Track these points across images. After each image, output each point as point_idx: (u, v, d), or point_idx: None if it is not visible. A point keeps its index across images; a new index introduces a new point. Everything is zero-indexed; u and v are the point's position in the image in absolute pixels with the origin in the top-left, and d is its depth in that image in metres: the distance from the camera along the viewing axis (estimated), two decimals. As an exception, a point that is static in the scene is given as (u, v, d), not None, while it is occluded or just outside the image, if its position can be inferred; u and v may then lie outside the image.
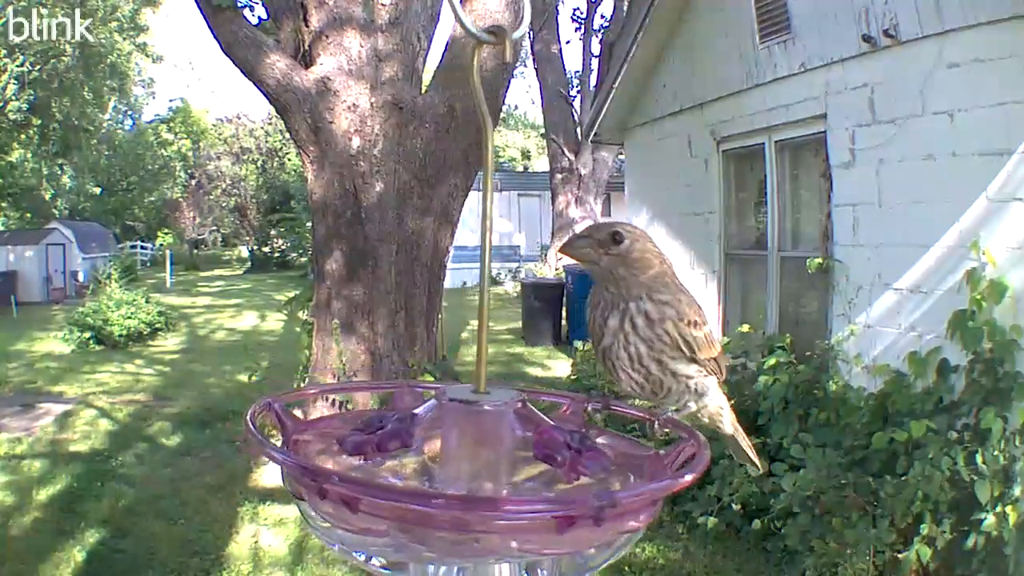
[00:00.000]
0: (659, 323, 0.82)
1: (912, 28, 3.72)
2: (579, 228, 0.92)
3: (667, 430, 0.84)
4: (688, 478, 0.62)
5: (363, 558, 0.62)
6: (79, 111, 19.72)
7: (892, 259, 3.90)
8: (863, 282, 4.09)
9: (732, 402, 0.95)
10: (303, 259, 20.85)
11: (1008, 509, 2.90)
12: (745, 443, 1.01)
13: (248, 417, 0.67)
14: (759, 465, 1.03)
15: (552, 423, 0.72)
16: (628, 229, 0.83)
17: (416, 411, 0.72)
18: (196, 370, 8.58)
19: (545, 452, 0.67)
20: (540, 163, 30.42)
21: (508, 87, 5.28)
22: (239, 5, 5.20)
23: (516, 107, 34.79)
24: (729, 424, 0.97)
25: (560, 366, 8.42)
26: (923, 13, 3.64)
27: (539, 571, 0.62)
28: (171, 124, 33.44)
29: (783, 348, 4.41)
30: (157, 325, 10.76)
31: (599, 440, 0.78)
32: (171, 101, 46.38)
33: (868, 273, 4.05)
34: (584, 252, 0.82)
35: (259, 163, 30.01)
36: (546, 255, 15.96)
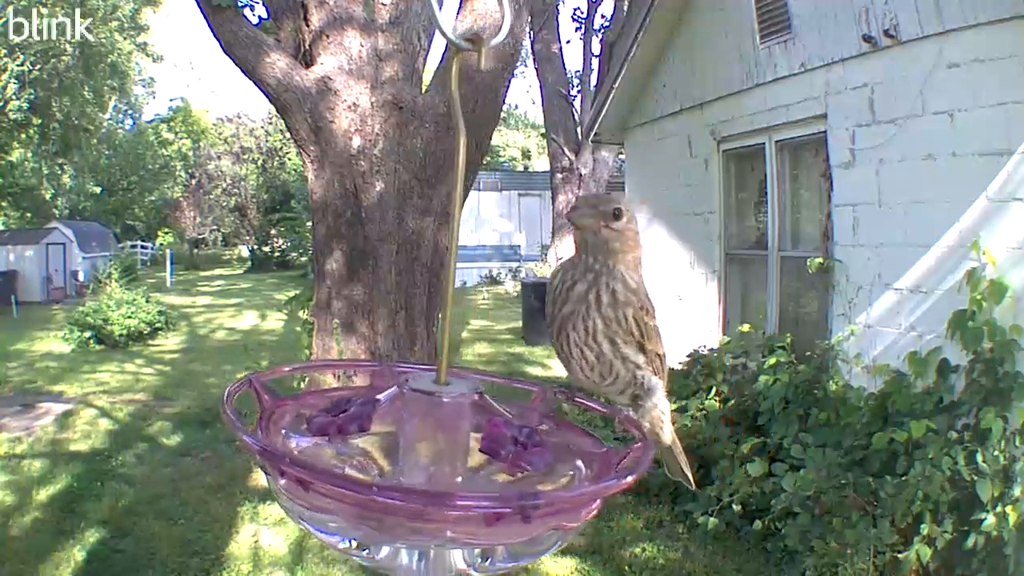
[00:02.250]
0: (622, 305, 0.84)
1: (912, 28, 3.72)
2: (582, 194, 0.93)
3: (622, 428, 0.86)
4: (625, 481, 0.65)
5: (328, 537, 0.66)
6: (79, 111, 19.71)
7: (892, 259, 3.90)
8: (863, 282, 4.09)
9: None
10: (303, 259, 20.86)
11: (1008, 509, 2.90)
12: (682, 457, 1.01)
13: (225, 396, 0.72)
14: (692, 482, 1.04)
15: (506, 416, 0.75)
16: (627, 207, 0.86)
17: (378, 397, 0.75)
18: (196, 370, 8.58)
19: (491, 446, 0.71)
20: (540, 163, 30.42)
21: (508, 87, 5.28)
22: (239, 5, 5.20)
23: (516, 107, 34.81)
24: (669, 433, 0.97)
25: (560, 366, 8.39)
26: (923, 13, 3.64)
27: (491, 557, 0.65)
28: (171, 124, 33.45)
29: (783, 348, 4.41)
30: (157, 325, 10.76)
31: (559, 432, 0.81)
32: (171, 101, 46.48)
33: (868, 273, 4.05)
34: (588, 222, 0.84)
35: (259, 163, 30.03)
36: (546, 255, 15.96)
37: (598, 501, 0.66)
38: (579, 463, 0.76)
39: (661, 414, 0.94)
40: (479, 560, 0.65)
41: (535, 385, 0.94)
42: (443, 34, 0.70)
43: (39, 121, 18.45)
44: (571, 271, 0.86)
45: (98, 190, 27.03)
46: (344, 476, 0.68)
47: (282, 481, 0.62)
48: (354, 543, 0.65)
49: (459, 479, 0.71)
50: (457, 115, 0.73)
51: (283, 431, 0.76)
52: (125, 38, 20.93)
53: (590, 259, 0.85)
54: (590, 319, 0.84)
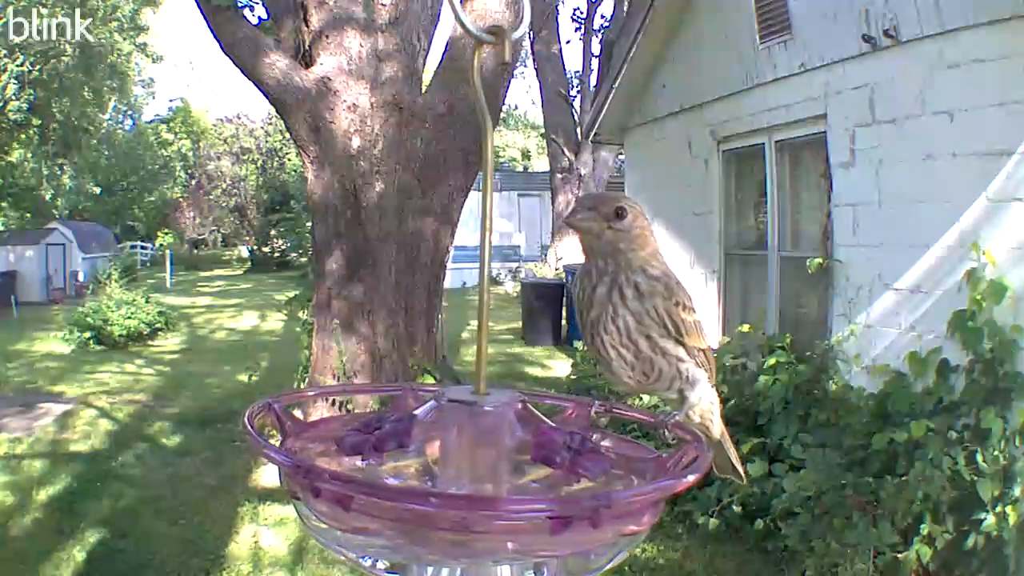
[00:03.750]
0: (648, 297, 0.81)
1: (912, 28, 3.72)
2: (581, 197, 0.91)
3: (674, 434, 0.82)
4: (689, 479, 0.61)
5: (365, 561, 0.61)
6: (79, 111, 19.72)
7: (892, 259, 3.90)
8: (863, 282, 4.08)
9: (732, 402, 0.95)
10: (303, 259, 20.84)
11: (1008, 509, 2.90)
12: (732, 451, 0.98)
13: (246, 418, 0.67)
14: (743, 476, 1.00)
15: (552, 424, 0.72)
16: (630, 204, 0.82)
17: (415, 412, 0.71)
18: (196, 370, 8.58)
19: (543, 453, 0.66)
20: (540, 163, 30.42)
21: (508, 87, 5.28)
22: (239, 5, 5.21)
23: (516, 107, 34.79)
24: (719, 427, 0.94)
25: (560, 366, 8.41)
26: (923, 13, 3.64)
27: (544, 571, 0.61)
28: (171, 124, 33.45)
29: (783, 348, 4.41)
30: (157, 325, 10.76)
31: (603, 443, 0.77)
32: (171, 101, 46.49)
33: (868, 273, 4.05)
34: (588, 225, 0.82)
35: (259, 163, 30.03)
36: (546, 255, 15.96)
37: (661, 503, 0.63)
38: (631, 472, 0.73)
39: (711, 405, 0.91)
40: None
41: (569, 400, 0.90)
42: (464, 27, 0.68)
43: (39, 121, 18.46)
44: (588, 276, 0.84)
45: (98, 190, 27.02)
46: (396, 487, 0.65)
47: (315, 502, 0.57)
48: (384, 564, 0.60)
49: (504, 493, 0.66)
50: (482, 106, 0.69)
51: (312, 454, 0.72)
52: (125, 38, 20.93)
53: (600, 263, 0.82)
54: (620, 317, 0.81)
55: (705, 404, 0.90)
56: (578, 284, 0.85)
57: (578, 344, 6.58)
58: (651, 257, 0.82)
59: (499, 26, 0.70)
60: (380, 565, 0.61)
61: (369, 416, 0.74)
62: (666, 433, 0.83)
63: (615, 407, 0.86)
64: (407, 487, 0.67)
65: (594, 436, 0.77)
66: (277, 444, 0.68)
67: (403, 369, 5.27)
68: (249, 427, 0.65)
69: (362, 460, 0.68)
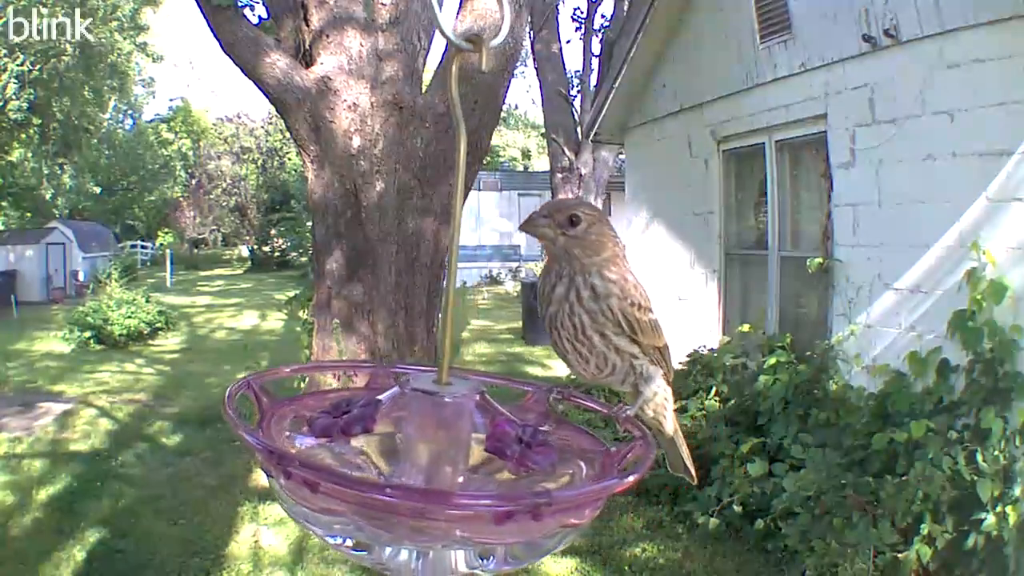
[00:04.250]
0: (604, 298, 0.84)
1: (912, 28, 3.72)
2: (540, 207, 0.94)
3: (625, 428, 0.86)
4: (629, 480, 0.65)
5: (333, 540, 0.66)
6: (79, 111, 19.71)
7: (892, 259, 3.90)
8: (863, 282, 4.09)
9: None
10: (303, 259, 20.86)
11: (1008, 509, 2.90)
12: (684, 449, 1.01)
13: (226, 399, 0.72)
14: (694, 476, 1.03)
15: (508, 416, 0.75)
16: (586, 212, 0.85)
17: (380, 397, 0.75)
18: (196, 370, 8.58)
19: (496, 445, 0.71)
20: (540, 163, 30.42)
21: (508, 87, 5.28)
22: (239, 5, 5.20)
23: (516, 107, 34.79)
24: (671, 423, 0.97)
25: (560, 365, 8.41)
26: (923, 13, 3.64)
27: (492, 556, 0.65)
28: (171, 124, 33.45)
29: (783, 348, 4.41)
30: (157, 325, 10.76)
31: (559, 432, 0.82)
32: (171, 101, 46.49)
33: (868, 273, 4.05)
34: (542, 231, 0.85)
35: (259, 163, 30.04)
36: (546, 255, 15.96)
37: (602, 499, 0.67)
38: (580, 463, 0.76)
39: (664, 401, 0.94)
40: (480, 561, 0.65)
41: (531, 385, 0.94)
42: (443, 34, 0.70)
43: (39, 121, 18.45)
44: (549, 275, 0.87)
45: (98, 190, 27.03)
46: (356, 477, 0.68)
47: (285, 482, 0.61)
48: (350, 542, 0.65)
49: (460, 479, 0.71)
50: (457, 115, 0.74)
51: (286, 433, 0.76)
52: (125, 38, 20.92)
53: (558, 265, 0.86)
54: (575, 315, 0.85)
55: (659, 399, 0.93)
56: (540, 280, 0.89)
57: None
58: (607, 262, 0.85)
59: (477, 34, 0.72)
60: (348, 543, 0.65)
61: (339, 397, 0.78)
62: (618, 425, 0.87)
63: (572, 395, 0.91)
64: (366, 478, 0.70)
65: (549, 425, 0.82)
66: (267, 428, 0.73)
67: (403, 369, 5.26)
68: (230, 410, 0.69)
69: (329, 442, 0.72)
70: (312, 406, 0.79)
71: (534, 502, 0.59)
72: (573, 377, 6.52)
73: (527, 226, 0.86)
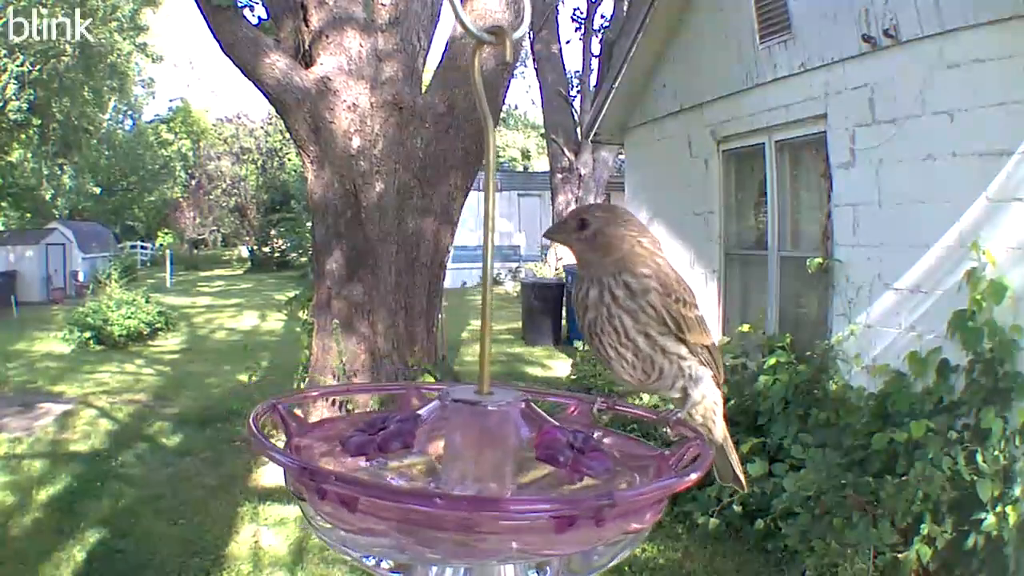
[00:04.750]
0: (642, 294, 0.81)
1: (912, 28, 3.72)
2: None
3: (676, 432, 0.82)
4: (692, 477, 0.62)
5: (368, 561, 0.62)
6: (79, 111, 19.72)
7: (892, 259, 3.90)
8: (863, 282, 4.09)
9: (732, 402, 0.94)
10: (303, 259, 20.85)
11: (1008, 509, 2.90)
12: (734, 456, 0.97)
13: (251, 419, 0.67)
14: (744, 484, 0.99)
15: (555, 423, 0.72)
16: (597, 214, 0.84)
17: (419, 412, 0.71)
18: (196, 370, 8.58)
19: (547, 452, 0.66)
20: (540, 163, 30.42)
21: (508, 87, 5.28)
22: (239, 5, 5.20)
23: (516, 107, 34.79)
24: (721, 429, 0.93)
25: (560, 366, 8.41)
26: (923, 13, 3.64)
27: (547, 570, 0.61)
28: (171, 124, 33.44)
29: (783, 348, 4.41)
30: (157, 325, 10.76)
31: (605, 441, 0.77)
32: (171, 101, 46.47)
33: (868, 273, 4.05)
34: (560, 237, 0.85)
35: (259, 163, 30.03)
36: (546, 255, 15.97)
37: (664, 501, 0.63)
38: (634, 469, 0.73)
39: (714, 405, 0.90)
40: (533, 575, 0.61)
41: (572, 398, 0.90)
42: (464, 27, 0.68)
43: (39, 121, 18.46)
44: (582, 281, 0.85)
45: (98, 190, 27.03)
46: (400, 487, 0.65)
47: (319, 502, 0.57)
48: (386, 564, 0.61)
49: (509, 493, 0.66)
50: (483, 106, 0.69)
51: (317, 455, 0.72)
52: (125, 38, 20.93)
53: (584, 270, 0.85)
54: (615, 318, 0.82)
55: (708, 403, 0.89)
56: (575, 289, 0.87)
57: (578, 344, 6.58)
58: (625, 259, 0.82)
59: (500, 26, 0.70)
60: (384, 565, 0.61)
61: (374, 416, 0.74)
62: (668, 430, 0.83)
63: (617, 404, 0.86)
64: (412, 488, 0.67)
65: (596, 434, 0.77)
66: (280, 444, 0.68)
67: (403, 369, 5.27)
68: (254, 429, 0.65)
69: (366, 461, 0.68)
70: (343, 429, 0.75)
71: (596, 504, 0.55)
72: (574, 377, 6.53)
73: (549, 233, 0.86)
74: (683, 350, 0.84)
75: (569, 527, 0.54)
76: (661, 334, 0.82)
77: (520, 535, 0.57)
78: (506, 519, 0.55)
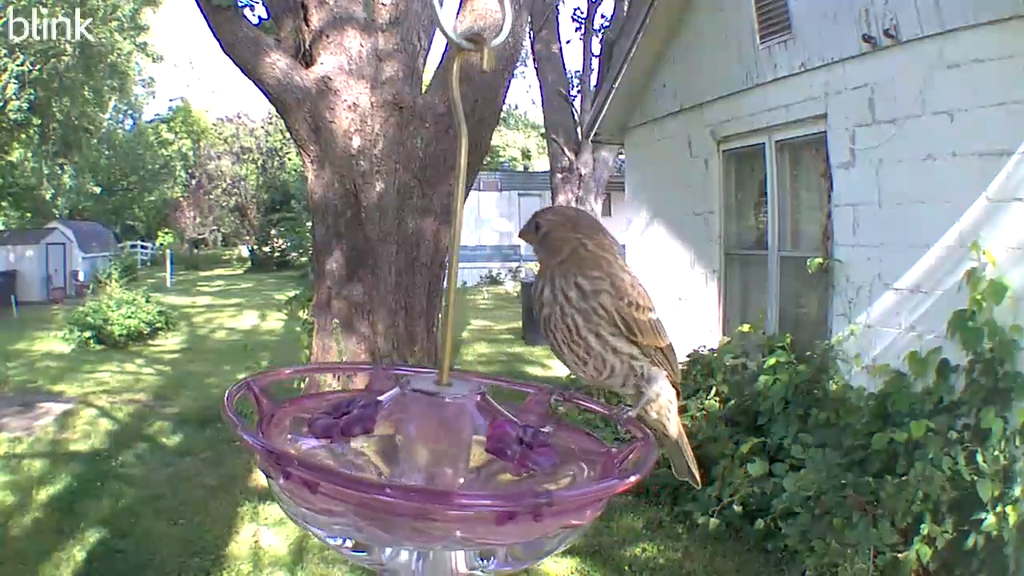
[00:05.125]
0: (592, 296, 0.84)
1: (912, 28, 3.72)
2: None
3: (626, 429, 0.85)
4: (631, 480, 0.65)
5: (333, 541, 0.65)
6: (79, 111, 19.71)
7: (892, 259, 3.90)
8: (863, 282, 4.09)
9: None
10: (303, 259, 20.86)
11: (1008, 509, 2.90)
12: (688, 452, 0.99)
13: (226, 399, 0.71)
14: (698, 479, 1.02)
15: (508, 416, 0.75)
16: (548, 217, 0.88)
17: (380, 398, 0.75)
18: (196, 370, 8.58)
19: (497, 446, 0.70)
20: (540, 163, 30.42)
21: (508, 87, 5.28)
22: (239, 5, 5.20)
23: (516, 107, 34.79)
24: (675, 425, 0.96)
25: (560, 366, 8.39)
26: (923, 13, 3.64)
27: (493, 557, 0.65)
28: (171, 124, 33.45)
29: (783, 348, 4.41)
30: (157, 325, 10.76)
31: (560, 434, 0.81)
32: (171, 101, 46.51)
33: (868, 273, 4.05)
34: (526, 238, 0.89)
35: (259, 163, 30.04)
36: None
37: (604, 500, 0.66)
38: (582, 463, 0.76)
39: (668, 403, 0.92)
40: (481, 562, 0.64)
41: (531, 387, 0.93)
42: (444, 33, 0.70)
43: (39, 121, 18.45)
44: (541, 278, 0.88)
45: (98, 190, 27.03)
46: (355, 477, 0.68)
47: (283, 482, 0.61)
48: (349, 543, 0.65)
49: (461, 480, 0.71)
50: (459, 115, 0.73)
51: (285, 434, 0.76)
52: (125, 38, 20.92)
53: (543, 269, 0.88)
54: (567, 316, 0.85)
55: (663, 400, 0.92)
56: (534, 284, 0.90)
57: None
58: (575, 259, 0.85)
59: (478, 34, 0.72)
60: (347, 544, 0.65)
61: (339, 399, 0.77)
62: (619, 426, 0.86)
63: (574, 396, 0.89)
64: (365, 478, 0.70)
65: (548, 427, 0.81)
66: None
67: (403, 369, 5.26)
68: (229, 411, 0.69)
69: (329, 442, 0.72)
70: (312, 407, 0.79)
71: (535, 503, 0.58)
72: (574, 377, 6.54)
73: (520, 234, 0.90)
74: (635, 351, 0.87)
75: (509, 520, 0.58)
76: (612, 335, 0.85)
77: (464, 525, 0.61)
78: (451, 511, 0.59)
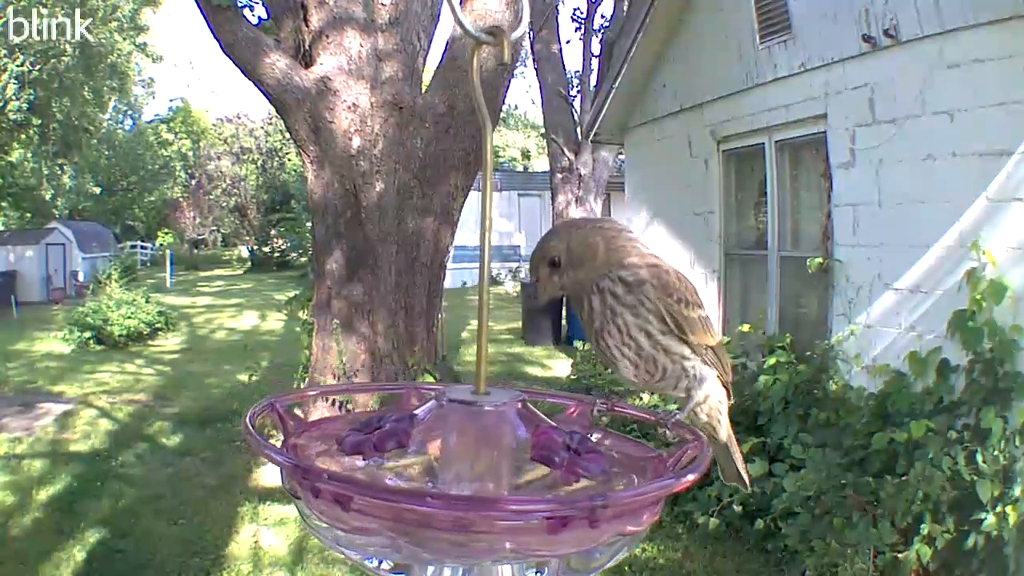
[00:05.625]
0: (637, 286, 0.80)
1: (912, 28, 3.72)
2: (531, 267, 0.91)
3: (674, 433, 0.81)
4: (688, 478, 0.61)
5: (370, 563, 0.62)
6: (79, 111, 19.70)
7: (892, 259, 3.90)
8: (863, 282, 4.09)
9: (732, 403, 0.93)
10: (303, 259, 20.86)
11: (1008, 509, 2.90)
12: (738, 456, 0.96)
13: (247, 417, 0.67)
14: (748, 483, 0.98)
15: (552, 424, 0.71)
16: (553, 244, 0.81)
17: (415, 412, 0.71)
18: (196, 370, 8.58)
19: (543, 453, 0.66)
20: (540, 163, 30.42)
21: (508, 87, 5.28)
22: (239, 5, 5.20)
23: (516, 107, 34.79)
24: (725, 429, 0.93)
25: (560, 366, 8.41)
26: (923, 13, 3.64)
27: (546, 570, 0.61)
28: (171, 124, 33.45)
29: (783, 348, 4.41)
30: (157, 325, 10.76)
31: (603, 442, 0.77)
32: (171, 101, 46.54)
33: (868, 273, 4.05)
34: (556, 292, 0.82)
35: (259, 163, 30.04)
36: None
37: (660, 502, 0.63)
38: (632, 471, 0.73)
39: (719, 404, 0.89)
40: (532, 575, 0.61)
41: (571, 399, 0.89)
42: (463, 28, 0.68)
43: (39, 121, 18.45)
44: (582, 300, 0.83)
45: (98, 190, 27.03)
46: (392, 487, 0.65)
47: (314, 500, 0.57)
48: (387, 565, 0.61)
49: (505, 492, 0.66)
50: (481, 110, 0.69)
51: (312, 453, 0.72)
52: (125, 38, 20.92)
53: (579, 291, 0.83)
54: (618, 316, 0.81)
55: (713, 402, 0.88)
56: (576, 307, 0.85)
57: (578, 344, 6.58)
58: (611, 256, 0.81)
59: (498, 26, 0.70)
60: (385, 566, 0.61)
61: (370, 415, 0.74)
62: (667, 432, 0.82)
63: (617, 406, 0.85)
64: (405, 488, 0.67)
65: (594, 435, 0.77)
66: (278, 443, 0.68)
67: (403, 369, 5.27)
68: (250, 427, 0.65)
69: (363, 460, 0.68)
70: (340, 428, 0.75)
71: (591, 505, 0.55)
72: (574, 377, 6.53)
73: (541, 299, 0.85)
74: (686, 350, 0.84)
75: (563, 528, 0.54)
76: (663, 333, 0.82)
77: (514, 535, 0.56)
78: (499, 519, 0.55)
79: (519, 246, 19.37)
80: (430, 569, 0.61)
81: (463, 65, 5.00)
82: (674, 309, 0.82)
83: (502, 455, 0.68)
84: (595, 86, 13.31)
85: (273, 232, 26.12)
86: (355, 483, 0.60)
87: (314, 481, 0.57)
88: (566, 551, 0.59)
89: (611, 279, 0.80)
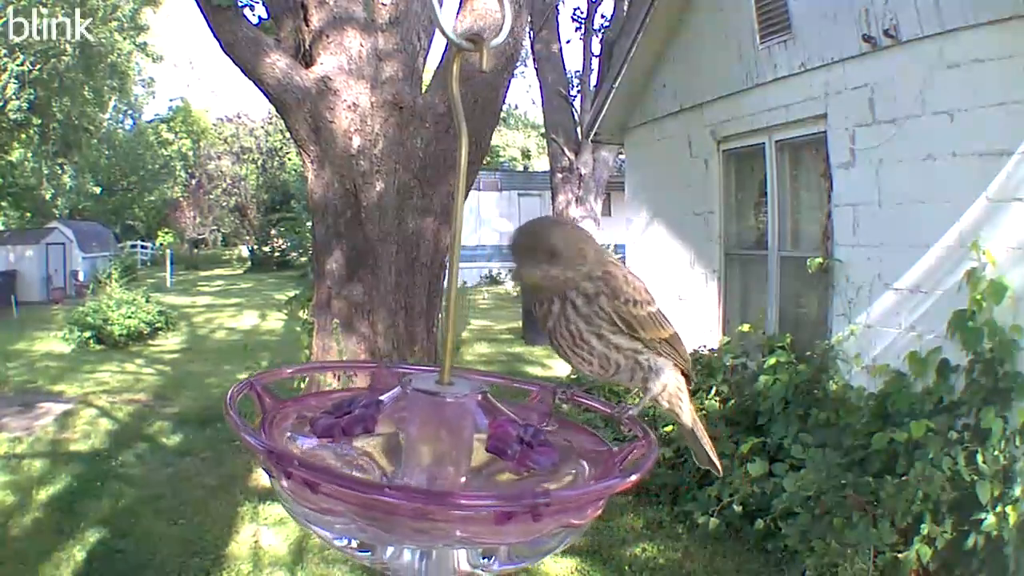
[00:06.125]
0: (594, 299, 0.84)
1: (912, 28, 3.72)
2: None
3: (628, 428, 0.85)
4: (631, 479, 0.65)
5: (339, 541, 0.66)
6: (79, 111, 19.70)
7: (892, 259, 3.90)
8: (863, 282, 4.09)
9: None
10: (303, 259, 20.85)
11: (1008, 509, 2.90)
12: (706, 440, 0.99)
13: (228, 399, 0.71)
14: (719, 467, 1.01)
15: (510, 416, 0.75)
16: (555, 238, 0.85)
17: (382, 398, 0.75)
18: (196, 370, 8.58)
19: (497, 445, 0.70)
20: (540, 163, 30.43)
21: (508, 87, 5.28)
22: (239, 5, 5.20)
23: (516, 107, 34.79)
24: (688, 413, 0.96)
25: (560, 365, 8.41)
26: (923, 13, 3.64)
27: (494, 556, 0.65)
28: (171, 124, 33.45)
29: (783, 348, 4.41)
30: (157, 325, 10.76)
31: (561, 432, 0.81)
32: (171, 101, 46.55)
33: (868, 273, 4.05)
34: (538, 282, 0.85)
35: (259, 163, 30.05)
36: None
37: (603, 499, 0.67)
38: (583, 462, 0.76)
39: (678, 391, 0.92)
40: (483, 560, 0.65)
41: (534, 385, 0.93)
42: (444, 33, 0.70)
43: (39, 121, 18.44)
44: (542, 301, 0.86)
45: (98, 190, 27.02)
46: (356, 477, 0.69)
47: (286, 483, 0.61)
48: (353, 543, 0.65)
49: (462, 480, 0.71)
50: (459, 115, 0.74)
51: (287, 434, 0.76)
52: (125, 38, 20.91)
53: (546, 291, 0.86)
54: (571, 323, 0.84)
55: (672, 389, 0.92)
56: (534, 306, 0.89)
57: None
58: (590, 264, 0.84)
59: (478, 33, 0.72)
60: (351, 544, 0.65)
61: (341, 398, 0.78)
62: (621, 425, 0.86)
63: (576, 395, 0.90)
64: (367, 479, 0.71)
65: (552, 425, 0.82)
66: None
67: (403, 369, 5.26)
68: (230, 411, 0.68)
69: (331, 443, 0.72)
70: (314, 406, 0.79)
71: (534, 502, 0.59)
72: (575, 376, 6.53)
73: (522, 279, 0.87)
74: (637, 345, 0.87)
75: (508, 520, 0.58)
76: (613, 333, 0.85)
77: (464, 525, 0.61)
78: (451, 510, 0.60)
79: (519, 246, 19.35)
80: (391, 550, 0.65)
81: (464, 65, 4.99)
82: (623, 311, 0.85)
83: (461, 445, 0.72)
84: (595, 86, 13.30)
85: (273, 232, 26.12)
86: (322, 471, 0.63)
87: (286, 466, 0.61)
88: (512, 540, 0.64)
89: (577, 291, 0.84)
